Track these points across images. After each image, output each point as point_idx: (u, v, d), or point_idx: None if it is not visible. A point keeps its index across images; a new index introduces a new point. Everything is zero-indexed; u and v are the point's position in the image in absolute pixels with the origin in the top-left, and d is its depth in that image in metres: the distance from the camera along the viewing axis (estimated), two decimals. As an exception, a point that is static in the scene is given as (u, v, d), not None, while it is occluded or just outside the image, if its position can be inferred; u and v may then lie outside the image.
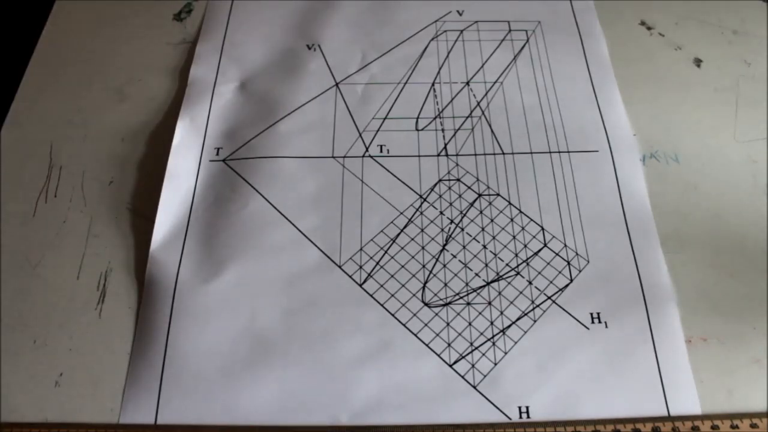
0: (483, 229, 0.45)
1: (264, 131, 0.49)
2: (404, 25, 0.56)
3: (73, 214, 0.46)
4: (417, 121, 0.50)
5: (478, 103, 0.51)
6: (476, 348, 0.40)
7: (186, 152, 0.48)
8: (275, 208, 0.46)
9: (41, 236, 0.45)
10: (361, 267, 0.43)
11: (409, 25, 0.56)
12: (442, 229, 0.45)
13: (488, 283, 0.43)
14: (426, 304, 0.42)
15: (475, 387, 0.39)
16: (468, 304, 0.42)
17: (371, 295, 0.42)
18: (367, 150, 0.49)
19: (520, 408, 0.38)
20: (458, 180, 0.47)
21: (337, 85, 0.52)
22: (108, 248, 0.45)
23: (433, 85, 0.52)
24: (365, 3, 0.58)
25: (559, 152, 0.48)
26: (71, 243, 0.45)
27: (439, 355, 0.40)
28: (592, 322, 0.41)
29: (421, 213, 0.46)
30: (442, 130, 0.50)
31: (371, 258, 0.44)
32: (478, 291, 0.42)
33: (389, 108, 0.51)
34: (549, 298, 0.42)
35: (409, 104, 0.51)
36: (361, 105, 0.51)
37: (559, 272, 0.43)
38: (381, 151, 0.49)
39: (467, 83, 0.52)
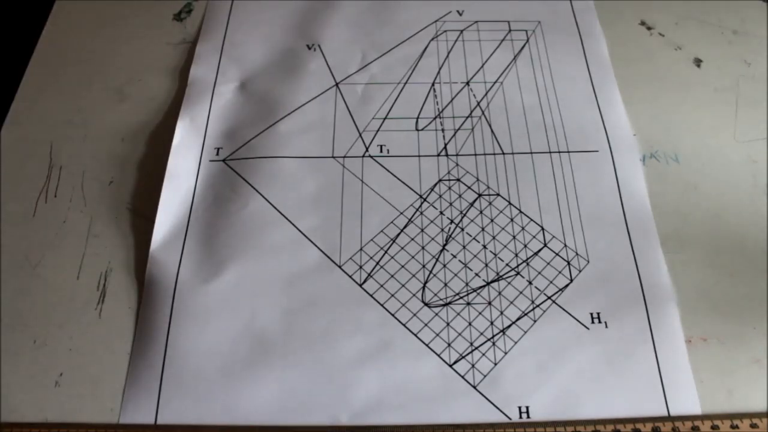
0: (483, 229, 0.45)
1: (264, 131, 0.49)
2: (404, 25, 0.56)
3: (73, 214, 0.46)
4: (417, 121, 0.50)
5: (478, 103, 0.51)
6: (476, 348, 0.40)
7: (186, 152, 0.48)
8: (275, 208, 0.46)
9: (41, 236, 0.45)
10: (361, 267, 0.43)
11: (409, 25, 0.56)
12: (442, 229, 0.45)
13: (488, 283, 0.43)
14: (426, 304, 0.42)
15: (475, 387, 0.39)
16: (468, 304, 0.42)
17: (371, 295, 0.42)
18: (367, 150, 0.49)
19: (520, 408, 0.38)
20: (458, 180, 0.47)
21: (337, 85, 0.52)
22: (108, 248, 0.45)
23: (433, 85, 0.52)
24: (365, 3, 0.58)
25: (559, 152, 0.48)
26: (71, 243, 0.45)
27: (439, 355, 0.40)
28: (592, 322, 0.41)
29: (421, 213, 0.46)
30: (442, 130, 0.50)
31: (371, 258, 0.44)
32: (478, 291, 0.42)
33: (389, 108, 0.51)
34: (549, 298, 0.42)
35: (409, 104, 0.51)
36: (361, 105, 0.51)
37: (559, 272, 0.43)
38: (381, 151, 0.49)
39: (467, 83, 0.52)
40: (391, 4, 0.58)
